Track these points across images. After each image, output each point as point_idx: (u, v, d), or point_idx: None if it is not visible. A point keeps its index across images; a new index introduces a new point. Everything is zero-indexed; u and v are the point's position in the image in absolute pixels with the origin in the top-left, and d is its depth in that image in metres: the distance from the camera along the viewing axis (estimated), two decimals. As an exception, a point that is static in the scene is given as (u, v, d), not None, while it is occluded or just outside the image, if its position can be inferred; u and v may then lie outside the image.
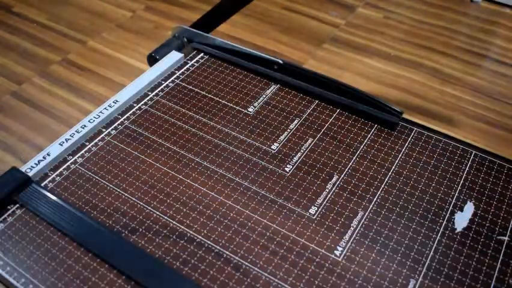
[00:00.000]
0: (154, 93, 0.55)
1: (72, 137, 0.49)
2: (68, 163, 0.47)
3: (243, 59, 0.57)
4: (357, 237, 0.41)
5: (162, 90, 0.56)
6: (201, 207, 0.44)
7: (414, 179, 0.46)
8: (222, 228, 0.42)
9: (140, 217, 0.43)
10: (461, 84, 0.60)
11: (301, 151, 0.49)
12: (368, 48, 0.67)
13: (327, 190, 0.45)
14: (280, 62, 0.54)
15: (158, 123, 0.52)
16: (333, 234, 0.41)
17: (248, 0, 0.66)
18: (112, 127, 0.51)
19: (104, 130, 0.51)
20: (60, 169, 0.47)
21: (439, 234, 0.42)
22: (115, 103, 0.53)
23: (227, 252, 0.40)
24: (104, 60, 0.65)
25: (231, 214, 0.43)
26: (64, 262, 0.39)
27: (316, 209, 0.43)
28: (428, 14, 0.74)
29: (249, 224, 0.42)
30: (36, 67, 0.64)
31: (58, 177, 0.46)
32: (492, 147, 0.52)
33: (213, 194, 0.45)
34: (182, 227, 0.42)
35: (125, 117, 0.52)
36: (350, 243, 0.41)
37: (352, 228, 0.42)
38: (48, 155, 0.47)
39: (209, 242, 0.41)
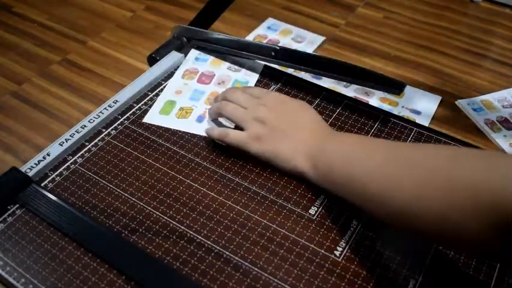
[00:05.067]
0: (154, 93, 0.55)
1: (72, 137, 0.49)
2: (68, 163, 0.47)
3: (241, 50, 0.57)
4: (357, 238, 0.41)
5: (162, 90, 0.56)
6: (200, 207, 0.44)
7: (414, 179, 0.46)
8: (221, 229, 0.42)
9: (140, 217, 0.43)
10: (461, 84, 0.60)
11: (301, 151, 0.49)
12: (368, 48, 0.67)
13: (327, 190, 0.45)
14: (277, 48, 0.54)
15: (158, 123, 0.52)
16: (333, 235, 0.41)
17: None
18: (112, 127, 0.51)
19: (104, 130, 0.51)
20: (60, 169, 0.47)
21: (439, 235, 0.42)
22: (115, 103, 0.53)
23: (227, 253, 0.40)
24: (104, 60, 0.65)
25: (231, 214, 0.43)
26: (64, 262, 0.39)
27: (316, 209, 0.43)
28: (428, 14, 0.74)
29: (249, 224, 0.42)
30: (36, 67, 0.64)
31: (58, 177, 0.46)
32: (491, 147, 0.52)
33: (212, 194, 0.45)
34: (182, 227, 0.42)
35: (125, 117, 0.52)
36: (350, 243, 0.41)
37: (352, 229, 0.42)
38: (48, 155, 0.47)
39: (209, 242, 0.41)
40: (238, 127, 0.48)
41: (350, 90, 0.58)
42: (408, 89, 0.58)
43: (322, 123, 0.46)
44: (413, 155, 0.36)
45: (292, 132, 0.45)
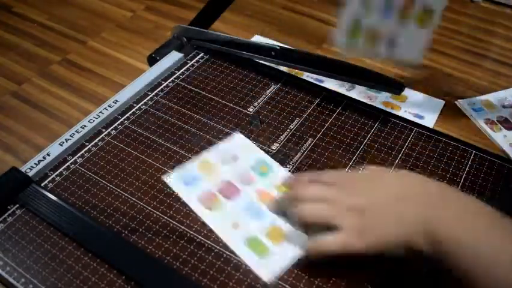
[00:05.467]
0: (154, 93, 0.55)
1: (72, 137, 0.49)
2: (68, 163, 0.47)
3: (241, 49, 0.57)
4: (357, 237, 0.41)
5: (162, 90, 0.56)
6: (200, 207, 0.44)
7: (414, 179, 0.46)
8: (222, 228, 0.42)
9: (140, 217, 0.43)
10: (461, 84, 0.60)
11: (301, 151, 0.49)
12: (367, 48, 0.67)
13: (327, 190, 0.45)
14: (278, 48, 0.54)
15: (158, 123, 0.52)
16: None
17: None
18: (112, 127, 0.51)
19: (104, 130, 0.51)
20: (60, 169, 0.47)
21: (439, 234, 0.41)
22: (115, 103, 0.53)
23: (227, 252, 0.40)
24: (104, 60, 0.65)
25: (231, 214, 0.43)
26: (64, 262, 0.39)
27: (316, 209, 0.43)
28: (428, 14, 0.74)
29: (249, 224, 0.42)
30: (36, 67, 0.64)
31: (58, 177, 0.46)
32: (491, 147, 0.52)
33: (213, 194, 0.45)
34: (183, 227, 0.42)
35: (125, 117, 0.52)
36: (350, 243, 0.41)
37: (352, 228, 0.42)
38: (48, 155, 0.47)
39: (209, 242, 0.41)
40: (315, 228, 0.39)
41: (353, 95, 0.57)
42: (411, 93, 0.58)
43: (427, 184, 0.37)
44: None
45: (396, 209, 0.35)
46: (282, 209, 0.41)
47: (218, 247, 0.40)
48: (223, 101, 0.54)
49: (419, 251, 0.33)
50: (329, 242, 0.36)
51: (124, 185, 0.45)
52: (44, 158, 0.47)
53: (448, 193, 0.35)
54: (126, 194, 0.45)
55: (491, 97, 0.58)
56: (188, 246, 0.41)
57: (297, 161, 0.48)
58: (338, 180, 0.40)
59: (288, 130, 0.51)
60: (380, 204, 0.36)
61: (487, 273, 0.30)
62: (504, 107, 0.56)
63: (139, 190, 0.45)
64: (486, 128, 0.53)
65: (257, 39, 0.68)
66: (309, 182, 0.41)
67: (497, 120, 0.54)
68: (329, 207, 0.37)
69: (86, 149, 0.49)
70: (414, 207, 0.35)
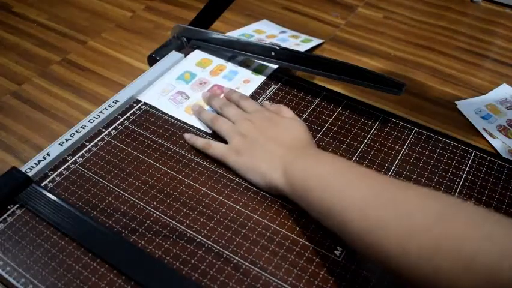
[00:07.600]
0: (154, 93, 0.55)
1: (72, 137, 0.49)
2: (68, 163, 0.47)
3: (241, 49, 0.57)
4: (357, 237, 0.41)
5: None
6: (200, 207, 0.44)
7: (414, 179, 0.46)
8: (222, 228, 0.42)
9: (140, 217, 0.43)
10: (461, 84, 0.60)
11: (301, 151, 0.49)
12: (368, 48, 0.67)
13: (327, 190, 0.45)
14: (277, 48, 0.54)
15: (158, 123, 0.52)
16: (333, 234, 0.41)
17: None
18: (112, 127, 0.51)
19: (104, 130, 0.51)
20: (60, 169, 0.47)
21: (439, 234, 0.41)
22: (115, 103, 0.53)
23: (227, 252, 0.40)
24: (104, 60, 0.65)
25: (231, 214, 0.43)
26: (64, 262, 0.39)
27: (316, 209, 0.43)
28: (428, 14, 0.74)
29: (249, 224, 0.42)
30: (36, 67, 0.64)
31: (58, 177, 0.46)
32: (491, 147, 0.52)
33: (212, 194, 0.45)
34: (182, 227, 0.42)
35: (125, 117, 0.52)
36: (350, 243, 0.41)
37: (352, 228, 0.42)
38: (48, 155, 0.47)
39: (209, 242, 0.41)
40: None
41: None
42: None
43: (306, 141, 0.45)
44: (400, 199, 0.33)
45: (271, 148, 0.44)
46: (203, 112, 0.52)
47: (218, 247, 0.40)
48: (223, 101, 0.54)
49: (276, 185, 0.42)
50: (214, 148, 0.47)
51: (124, 185, 0.45)
52: (44, 158, 0.47)
53: (313, 150, 0.44)
54: (126, 194, 0.45)
55: (492, 97, 0.58)
56: (189, 246, 0.41)
57: (297, 161, 0.48)
58: (253, 112, 0.49)
59: (288, 130, 0.51)
60: (264, 140, 0.45)
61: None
62: (508, 108, 0.56)
63: (139, 190, 0.45)
64: (486, 129, 0.53)
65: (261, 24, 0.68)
66: (234, 105, 0.51)
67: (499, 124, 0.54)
68: (230, 126, 0.48)
69: (86, 149, 0.49)
70: (285, 152, 0.43)
